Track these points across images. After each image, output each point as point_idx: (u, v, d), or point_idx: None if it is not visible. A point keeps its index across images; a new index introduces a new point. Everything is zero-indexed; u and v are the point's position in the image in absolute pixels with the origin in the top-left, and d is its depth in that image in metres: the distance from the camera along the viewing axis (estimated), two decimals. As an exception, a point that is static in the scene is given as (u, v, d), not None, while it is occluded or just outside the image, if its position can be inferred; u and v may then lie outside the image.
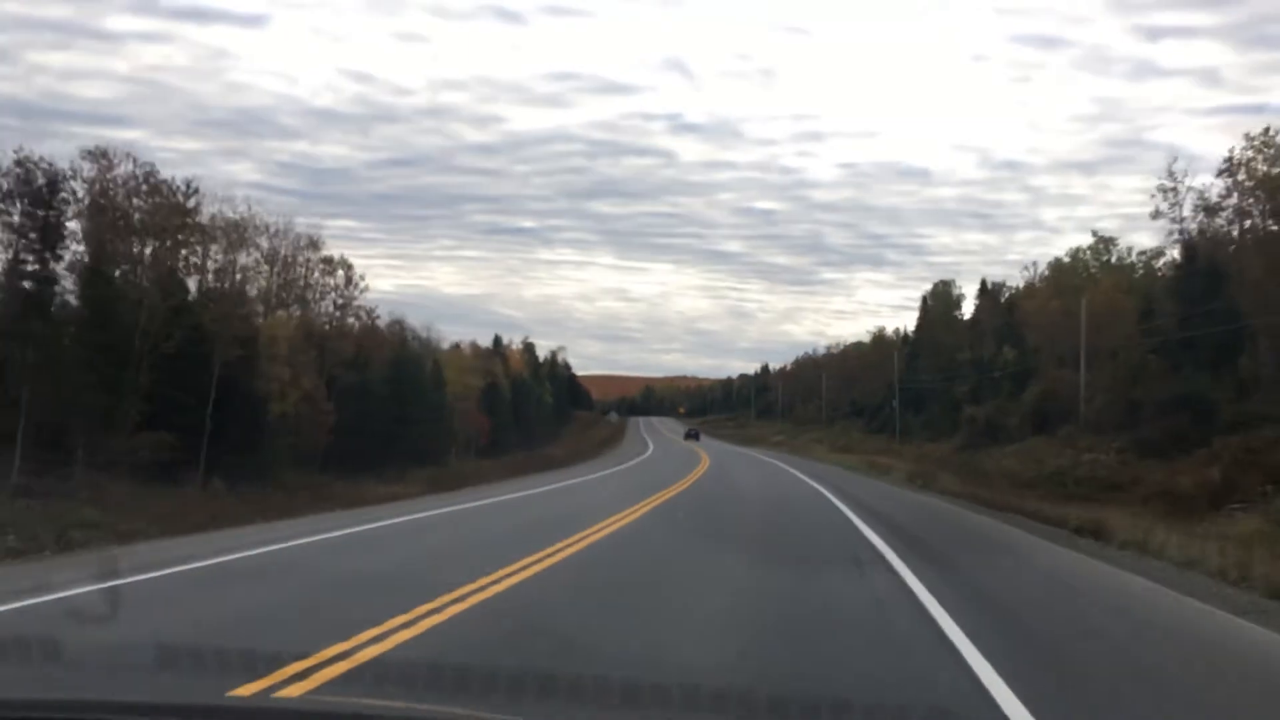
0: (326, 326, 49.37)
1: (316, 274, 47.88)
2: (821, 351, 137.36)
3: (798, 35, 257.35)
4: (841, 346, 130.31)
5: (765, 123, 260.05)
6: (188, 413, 30.82)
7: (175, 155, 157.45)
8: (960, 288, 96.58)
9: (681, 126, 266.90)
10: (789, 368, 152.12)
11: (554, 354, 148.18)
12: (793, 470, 44.96)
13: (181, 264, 32.51)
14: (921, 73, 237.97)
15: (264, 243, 41.93)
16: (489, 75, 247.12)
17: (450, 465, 52.89)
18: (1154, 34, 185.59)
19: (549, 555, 12.63)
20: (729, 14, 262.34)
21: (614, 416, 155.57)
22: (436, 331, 73.90)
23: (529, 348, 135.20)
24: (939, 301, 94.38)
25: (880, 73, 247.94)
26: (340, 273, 48.74)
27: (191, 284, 35.01)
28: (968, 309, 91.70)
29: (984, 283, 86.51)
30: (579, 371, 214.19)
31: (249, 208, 40.68)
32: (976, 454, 49.18)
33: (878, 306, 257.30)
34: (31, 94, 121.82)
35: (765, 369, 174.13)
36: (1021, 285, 78.72)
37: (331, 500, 23.42)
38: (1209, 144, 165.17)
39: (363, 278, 49.66)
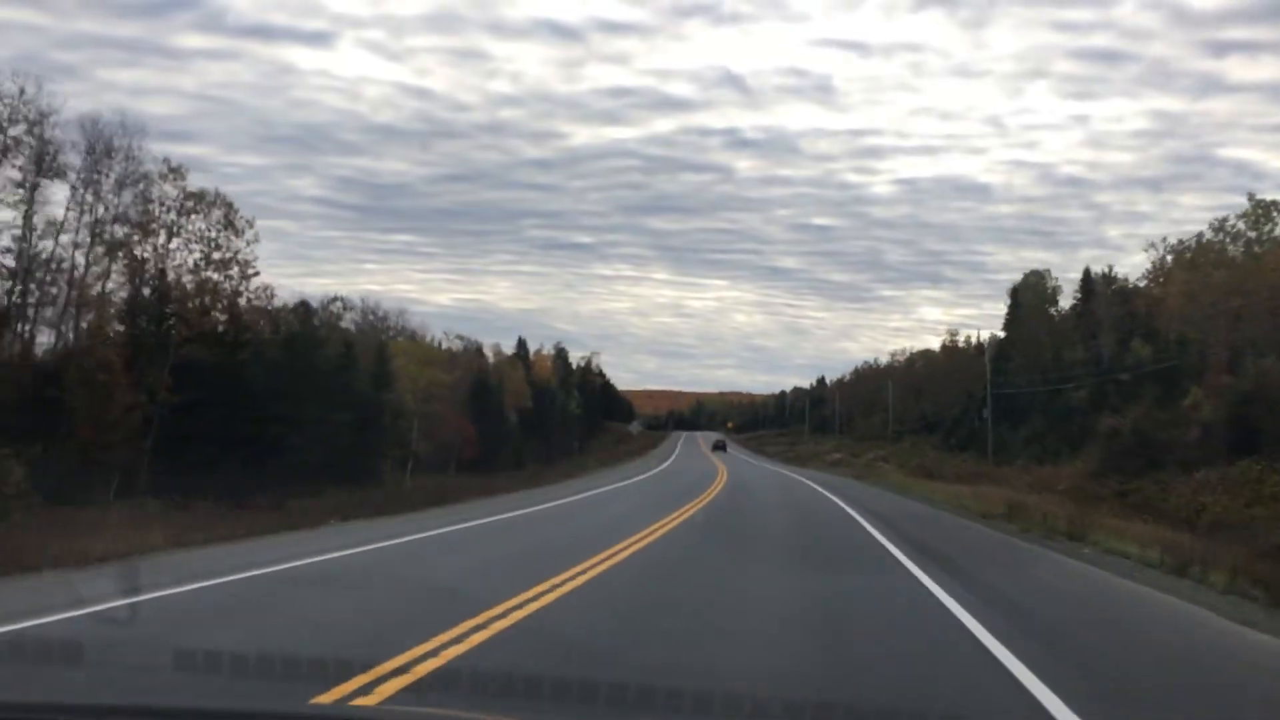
0: (220, 289, 35.25)
1: (176, 214, 33.59)
2: (884, 364, 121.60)
3: (855, 51, 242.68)
4: (908, 353, 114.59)
5: (823, 138, 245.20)
6: None
7: (240, 170, 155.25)
8: (1056, 278, 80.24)
9: (738, 142, 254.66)
10: (847, 379, 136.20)
11: (587, 361, 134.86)
12: (888, 543, 20.44)
13: None
14: (980, 88, 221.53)
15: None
16: (546, 91, 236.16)
17: (404, 485, 38.63)
18: (1220, 49, 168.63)
19: None
20: (785, 30, 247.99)
21: (636, 428, 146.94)
22: (421, 321, 59.76)
23: (560, 354, 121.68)
24: (1033, 294, 77.74)
25: (939, 89, 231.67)
26: (216, 213, 34.35)
27: None
28: (1064, 303, 76.20)
29: (1087, 271, 70.51)
30: (634, 386, 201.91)
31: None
32: (1130, 482, 33.44)
33: (935, 323, 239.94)
34: (102, 110, 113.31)
35: (821, 381, 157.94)
36: (1148, 270, 63.09)
37: None
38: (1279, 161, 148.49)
39: (250, 224, 35.17)
